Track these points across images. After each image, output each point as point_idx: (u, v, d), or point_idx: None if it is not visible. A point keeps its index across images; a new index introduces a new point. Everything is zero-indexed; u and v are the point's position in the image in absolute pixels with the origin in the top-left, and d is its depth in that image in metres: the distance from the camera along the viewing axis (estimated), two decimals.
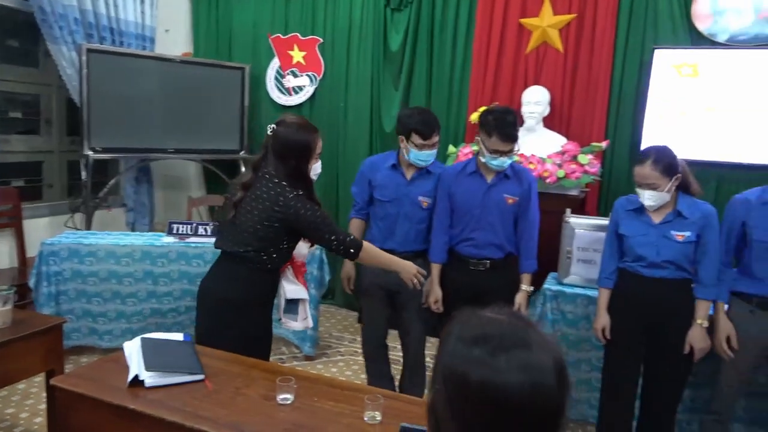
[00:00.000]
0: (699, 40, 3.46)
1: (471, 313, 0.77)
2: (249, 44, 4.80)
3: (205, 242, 3.42)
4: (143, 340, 1.84)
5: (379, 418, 1.58)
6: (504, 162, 2.41)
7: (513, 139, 2.37)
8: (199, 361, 1.83)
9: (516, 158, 2.47)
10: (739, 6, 3.34)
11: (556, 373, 0.70)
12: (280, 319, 2.26)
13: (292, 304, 2.25)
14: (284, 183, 2.02)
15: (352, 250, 2.08)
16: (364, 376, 3.12)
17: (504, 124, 2.36)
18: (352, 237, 2.11)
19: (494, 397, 0.68)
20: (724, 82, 3.34)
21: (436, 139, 2.50)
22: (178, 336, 1.98)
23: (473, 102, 3.96)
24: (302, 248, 2.26)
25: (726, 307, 2.27)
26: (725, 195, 3.40)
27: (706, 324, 2.22)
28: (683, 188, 2.26)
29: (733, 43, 3.37)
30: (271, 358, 3.44)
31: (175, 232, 3.44)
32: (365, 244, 2.13)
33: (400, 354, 2.85)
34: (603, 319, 2.38)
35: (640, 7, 3.56)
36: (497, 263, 2.54)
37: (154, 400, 1.62)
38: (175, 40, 4.98)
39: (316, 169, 2.13)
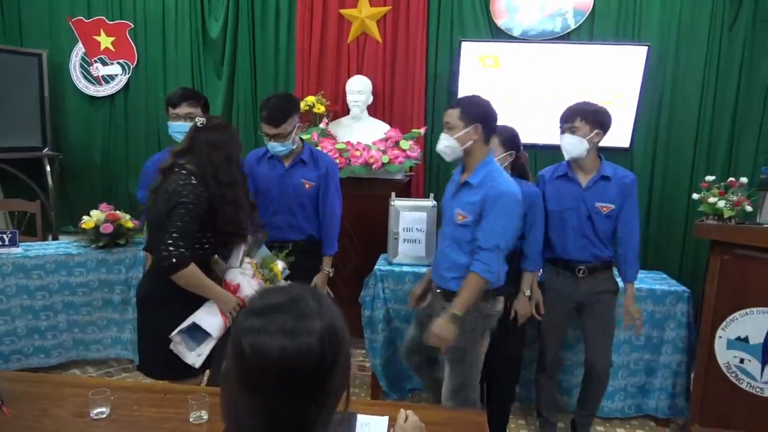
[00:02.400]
0: (498, 34, 3.84)
1: (263, 289, 0.83)
2: (44, 28, 4.26)
3: (3, 253, 3.00)
4: None
5: (205, 417, 1.54)
6: (275, 147, 2.44)
7: (272, 121, 2.36)
8: None
9: (292, 146, 2.48)
10: (529, 4, 3.77)
11: (322, 339, 0.77)
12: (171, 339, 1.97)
13: (199, 333, 1.97)
14: (184, 172, 1.96)
15: (172, 261, 1.85)
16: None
17: (265, 107, 2.38)
18: (185, 255, 1.88)
19: (260, 358, 0.75)
20: (521, 71, 3.75)
21: (186, 110, 2.50)
22: None
23: (299, 91, 3.97)
24: (246, 289, 2.03)
25: (536, 275, 2.51)
26: None
27: (528, 293, 2.47)
28: (517, 172, 2.46)
29: (525, 38, 3.79)
30: (96, 374, 3.21)
31: None
32: (191, 268, 1.90)
33: None
34: None
35: (447, 1, 3.84)
36: (300, 246, 2.51)
37: None
38: None
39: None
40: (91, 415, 1.53)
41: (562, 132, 2.40)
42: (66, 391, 1.67)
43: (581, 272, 2.42)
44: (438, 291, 2.24)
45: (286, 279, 2.27)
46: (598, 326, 2.47)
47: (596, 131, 2.34)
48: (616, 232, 2.45)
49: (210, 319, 1.96)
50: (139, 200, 2.70)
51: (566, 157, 2.41)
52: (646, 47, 3.56)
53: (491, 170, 2.09)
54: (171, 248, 1.85)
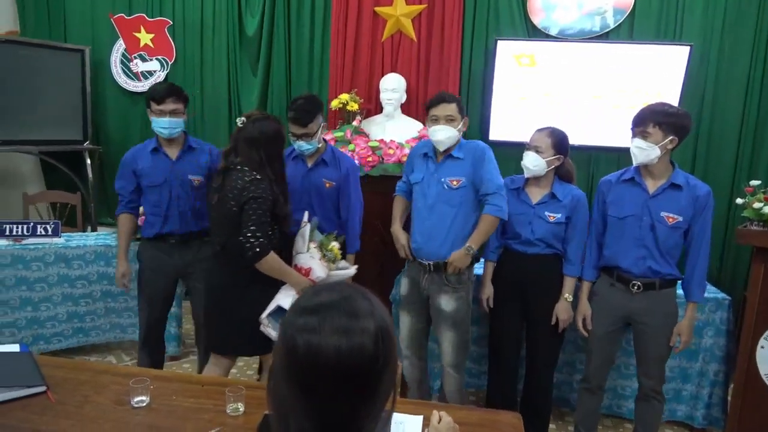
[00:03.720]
0: (535, 32, 3.79)
1: (311, 287, 0.82)
2: (87, 24, 4.37)
3: (46, 243, 3.10)
4: None
5: (242, 409, 1.56)
6: (302, 146, 2.50)
7: (299, 122, 2.44)
8: (39, 371, 1.67)
9: (318, 145, 2.54)
10: (566, 2, 3.71)
11: (376, 338, 0.77)
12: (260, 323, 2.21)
13: (279, 314, 2.19)
14: (246, 168, 2.13)
15: (256, 250, 2.07)
16: (234, 370, 3.06)
17: (292, 108, 2.47)
18: (265, 243, 2.09)
19: (315, 358, 0.74)
20: (557, 71, 3.70)
21: (172, 106, 2.54)
22: (14, 347, 1.79)
23: (333, 89, 3.99)
24: (318, 271, 2.26)
25: (589, 285, 2.43)
26: None
27: (570, 298, 2.43)
28: (562, 176, 2.46)
29: (563, 36, 3.74)
30: (131, 363, 3.30)
31: (7, 233, 3.08)
32: (272, 255, 2.12)
33: None
34: (487, 290, 2.57)
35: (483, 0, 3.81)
36: None
37: None
38: None
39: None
40: (131, 403, 1.57)
41: (633, 135, 2.22)
42: (106, 378, 1.72)
43: (635, 287, 2.26)
44: (430, 266, 2.42)
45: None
46: (649, 349, 2.31)
47: (671, 138, 2.15)
48: (685, 248, 2.28)
49: (290, 300, 2.17)
50: (117, 191, 2.73)
51: (634, 162, 2.24)
52: (689, 47, 3.47)
53: (463, 142, 2.46)
54: (252, 240, 2.06)
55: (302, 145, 2.51)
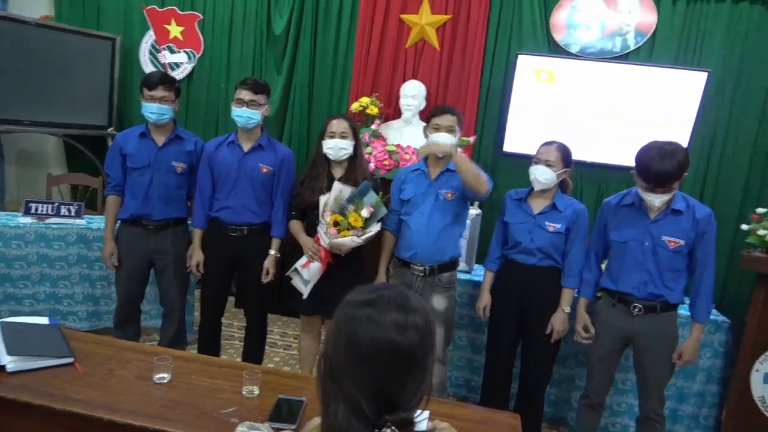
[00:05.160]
0: (556, 49, 3.86)
1: (364, 285, 0.97)
2: (120, 14, 4.49)
3: (69, 223, 3.20)
4: (3, 324, 1.74)
5: (257, 392, 1.65)
6: (245, 112, 2.62)
7: (251, 88, 2.63)
8: (67, 344, 1.77)
9: (259, 121, 2.68)
10: (589, 22, 3.79)
11: (421, 331, 0.90)
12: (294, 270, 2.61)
13: (296, 271, 2.61)
14: None
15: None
16: (239, 358, 3.14)
17: (247, 80, 2.68)
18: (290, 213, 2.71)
19: (376, 345, 0.87)
20: (575, 88, 3.78)
21: (162, 93, 2.66)
22: (43, 320, 1.88)
23: (354, 91, 4.08)
24: (322, 238, 2.48)
25: (585, 301, 2.48)
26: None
27: (567, 309, 2.49)
28: (561, 188, 2.55)
29: (583, 55, 3.81)
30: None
31: (33, 212, 3.19)
32: (292, 221, 2.68)
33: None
34: (485, 299, 2.64)
35: (507, 14, 3.88)
36: (254, 229, 2.74)
37: (17, 385, 1.55)
38: (32, 0, 4.53)
39: (326, 144, 2.58)
40: (153, 379, 1.66)
41: (651, 191, 2.20)
42: (130, 355, 1.81)
43: (636, 309, 2.30)
44: (424, 270, 2.55)
45: (380, 220, 2.56)
46: (650, 371, 2.33)
47: (681, 179, 2.21)
48: (689, 272, 2.32)
49: (303, 260, 2.57)
50: (105, 171, 2.88)
51: (653, 207, 2.26)
52: (706, 73, 3.53)
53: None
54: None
55: (245, 112, 2.62)
